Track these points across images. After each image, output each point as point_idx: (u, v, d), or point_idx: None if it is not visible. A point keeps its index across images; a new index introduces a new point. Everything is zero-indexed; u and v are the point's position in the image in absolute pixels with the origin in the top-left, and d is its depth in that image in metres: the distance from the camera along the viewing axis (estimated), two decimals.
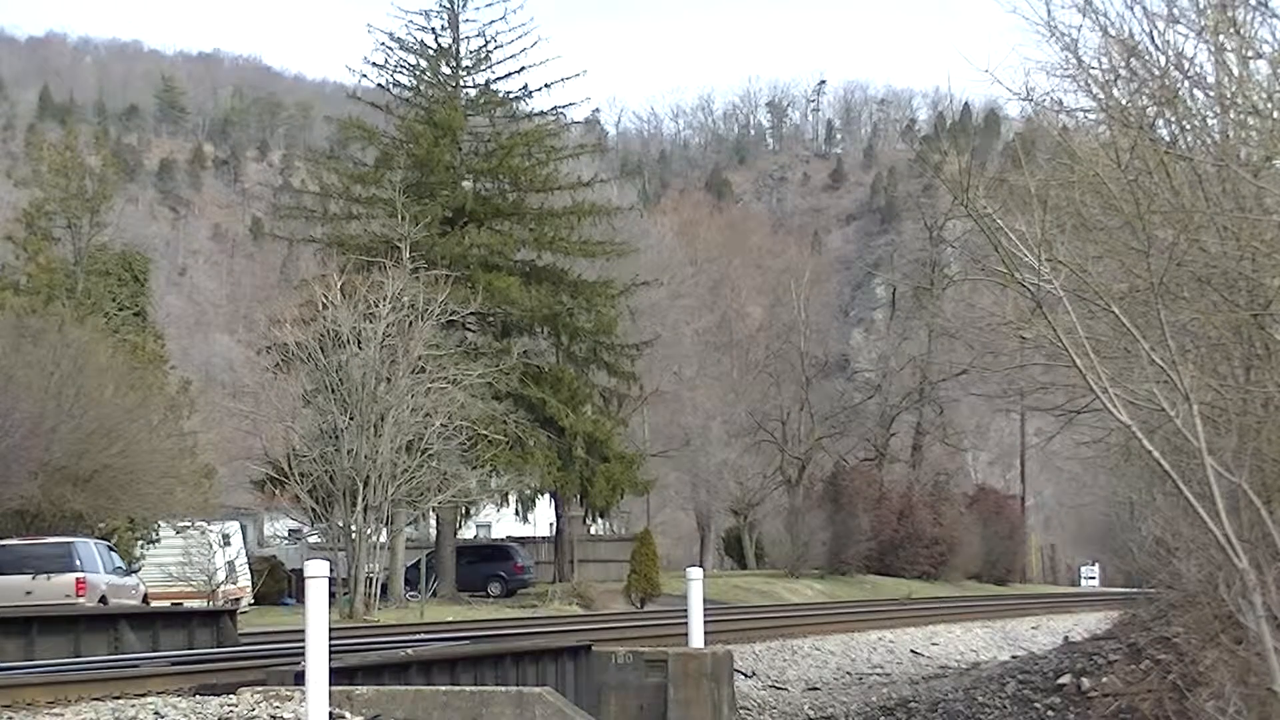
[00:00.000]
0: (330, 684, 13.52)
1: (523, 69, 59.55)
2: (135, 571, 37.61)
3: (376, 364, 44.21)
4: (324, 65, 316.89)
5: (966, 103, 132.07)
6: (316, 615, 13.35)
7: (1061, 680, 25.15)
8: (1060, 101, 15.19)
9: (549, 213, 58.82)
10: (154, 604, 35.32)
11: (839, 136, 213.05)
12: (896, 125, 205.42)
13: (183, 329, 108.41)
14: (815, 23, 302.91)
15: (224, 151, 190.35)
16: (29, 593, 31.59)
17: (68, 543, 33.95)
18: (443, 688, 15.81)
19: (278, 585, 53.46)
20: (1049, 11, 14.13)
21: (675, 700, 20.93)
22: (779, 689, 29.30)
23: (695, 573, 22.67)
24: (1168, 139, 14.31)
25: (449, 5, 59.01)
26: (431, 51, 59.21)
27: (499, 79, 59.92)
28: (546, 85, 59.89)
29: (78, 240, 48.43)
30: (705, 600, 23.21)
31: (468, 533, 65.56)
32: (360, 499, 43.81)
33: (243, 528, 54.09)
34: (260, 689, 14.79)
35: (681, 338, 77.00)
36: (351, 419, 44.04)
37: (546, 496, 61.72)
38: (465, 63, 59.57)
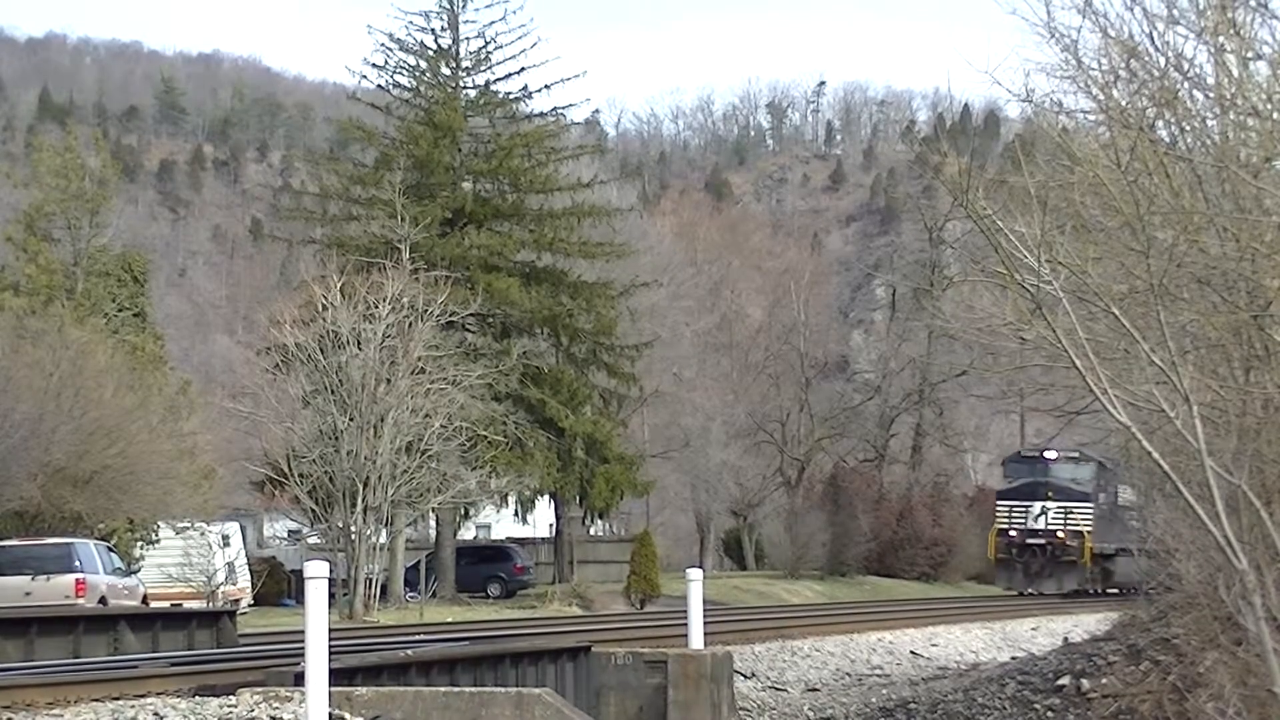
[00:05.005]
0: (330, 685, 13.52)
1: (522, 70, 59.64)
2: (135, 572, 37.65)
3: (376, 365, 44.24)
4: (324, 66, 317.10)
5: (966, 104, 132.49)
6: (316, 616, 13.35)
7: (1061, 681, 25.14)
8: (1060, 102, 15.21)
9: (549, 214, 58.83)
10: (153, 605, 35.30)
11: (839, 137, 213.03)
12: (896, 126, 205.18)
13: (183, 329, 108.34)
14: (815, 23, 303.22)
15: (224, 152, 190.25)
16: (29, 593, 31.63)
17: (67, 544, 33.99)
18: (442, 689, 15.82)
19: (277, 586, 53.49)
20: (1049, 13, 14.14)
21: (675, 701, 20.93)
22: (778, 690, 29.28)
23: (695, 574, 22.68)
24: (1167, 140, 14.31)
25: (449, 6, 59.02)
26: (431, 52, 59.22)
27: (499, 80, 59.98)
28: (546, 86, 59.97)
29: (77, 241, 48.41)
30: (705, 601, 23.21)
31: (467, 534, 65.57)
32: (360, 500, 43.85)
33: (242, 528, 54.10)
34: (260, 690, 14.79)
35: (681, 338, 76.97)
36: (351, 420, 44.07)
37: (546, 497, 61.74)
38: (465, 63, 59.59)
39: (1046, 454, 57.81)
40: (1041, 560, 56.31)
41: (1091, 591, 55.54)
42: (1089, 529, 55.70)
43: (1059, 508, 56.00)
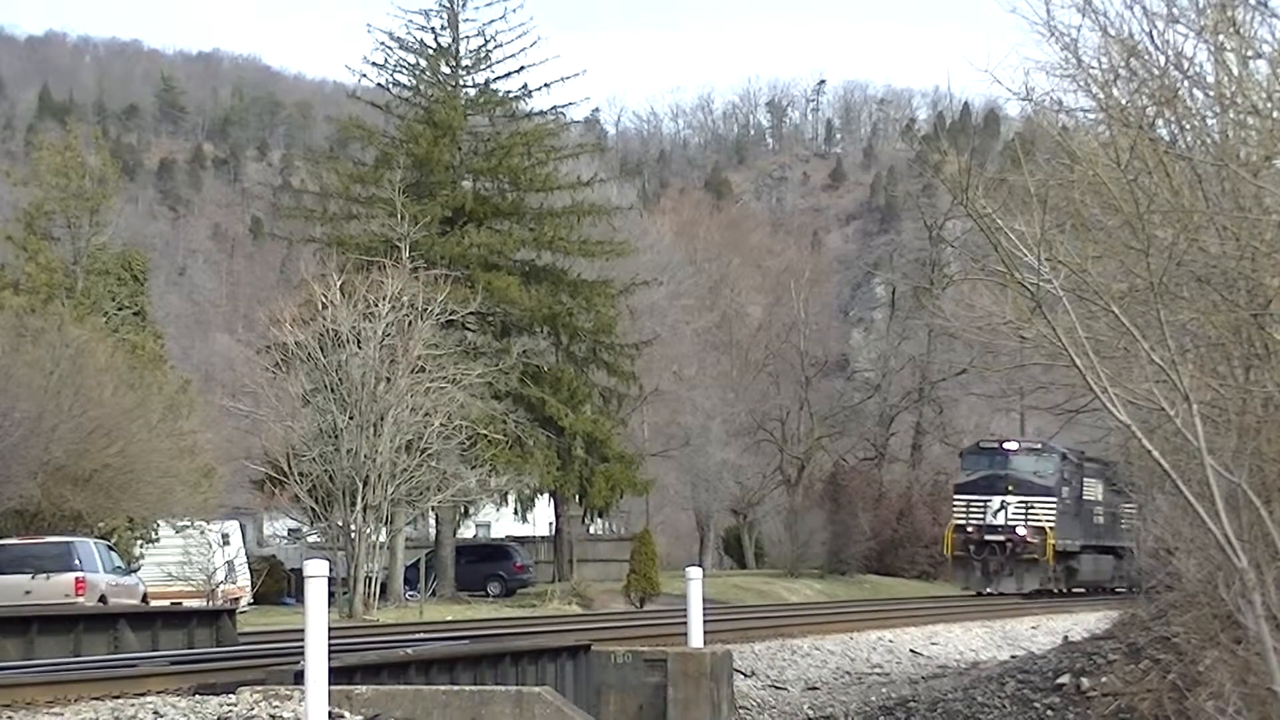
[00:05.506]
0: (329, 683, 13.52)
1: (522, 68, 59.67)
2: (135, 571, 37.60)
3: (376, 364, 44.25)
4: (324, 65, 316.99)
5: (966, 102, 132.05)
6: (316, 615, 13.35)
7: (1061, 680, 25.14)
8: (1060, 101, 15.24)
9: (548, 212, 58.85)
10: (153, 603, 35.30)
11: (839, 136, 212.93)
12: (896, 125, 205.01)
13: (182, 329, 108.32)
14: (815, 23, 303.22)
15: (223, 151, 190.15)
16: (28, 592, 31.63)
17: (67, 542, 33.98)
18: (442, 687, 15.81)
19: (277, 585, 53.48)
20: (1049, 11, 14.17)
21: (675, 700, 20.93)
22: (778, 689, 29.28)
23: (695, 572, 22.68)
24: (1167, 139, 14.32)
25: (449, 5, 59.03)
26: (431, 51, 59.22)
27: (499, 79, 60.02)
28: (546, 85, 60.01)
29: (77, 240, 48.44)
30: (704, 600, 23.20)
31: (467, 532, 65.58)
32: (360, 498, 43.86)
33: (242, 527, 54.10)
34: (260, 688, 14.79)
35: (681, 337, 76.92)
36: (351, 419, 44.08)
37: (546, 496, 61.74)
38: (465, 62, 59.61)
39: (1006, 445, 54.43)
40: (1001, 558, 52.52)
41: (1055, 591, 52.70)
42: (1051, 525, 52.25)
43: (1019, 502, 52.42)
